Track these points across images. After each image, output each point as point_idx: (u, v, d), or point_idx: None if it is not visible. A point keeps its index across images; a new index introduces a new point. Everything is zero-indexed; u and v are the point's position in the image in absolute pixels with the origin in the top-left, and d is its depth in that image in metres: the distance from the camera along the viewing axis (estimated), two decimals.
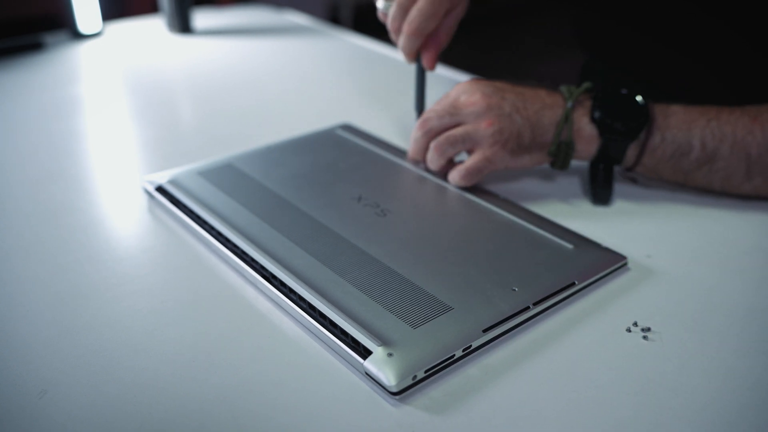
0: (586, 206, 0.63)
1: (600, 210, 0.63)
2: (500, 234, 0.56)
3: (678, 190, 0.65)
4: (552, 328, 0.48)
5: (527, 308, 0.47)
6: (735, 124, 0.60)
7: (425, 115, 0.65)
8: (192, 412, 0.41)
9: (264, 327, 0.48)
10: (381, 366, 0.42)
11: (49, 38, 1.12)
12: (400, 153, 0.70)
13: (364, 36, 1.18)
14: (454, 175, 0.63)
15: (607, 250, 0.54)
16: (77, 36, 1.14)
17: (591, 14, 0.94)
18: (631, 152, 0.62)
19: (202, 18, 1.26)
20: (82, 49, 1.10)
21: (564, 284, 0.50)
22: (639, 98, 0.62)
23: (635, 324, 0.48)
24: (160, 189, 0.63)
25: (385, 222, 0.57)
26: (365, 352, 0.43)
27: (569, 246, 0.54)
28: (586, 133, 0.62)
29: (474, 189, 0.63)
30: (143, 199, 0.65)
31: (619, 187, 0.66)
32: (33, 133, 0.80)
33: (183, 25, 1.17)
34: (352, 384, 0.43)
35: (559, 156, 0.63)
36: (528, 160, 0.64)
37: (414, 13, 0.67)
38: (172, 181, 0.63)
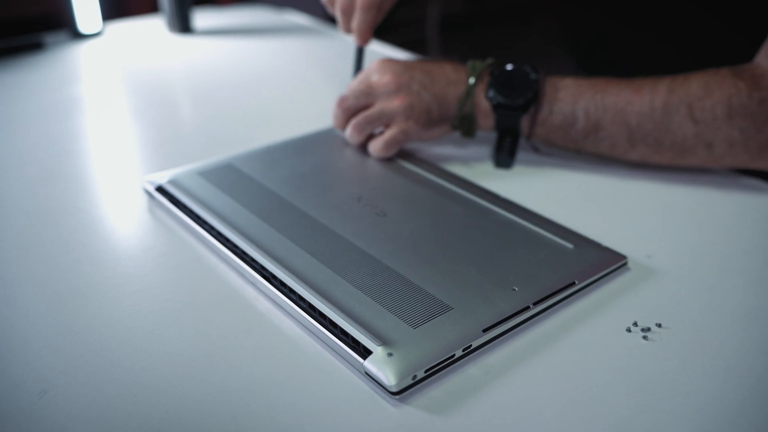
0: (587, 205, 0.63)
1: (600, 210, 0.63)
2: (500, 234, 0.56)
3: (679, 189, 0.65)
4: (552, 327, 0.48)
5: (527, 308, 0.47)
6: (618, 95, 0.64)
7: (343, 94, 0.70)
8: (192, 412, 0.41)
9: (264, 327, 0.48)
10: (381, 366, 0.42)
11: (49, 38, 1.12)
12: (401, 152, 0.70)
13: None
14: (375, 146, 0.67)
15: (607, 249, 0.54)
16: (77, 36, 1.14)
17: (589, 14, 0.94)
18: (525, 123, 0.67)
19: (202, 18, 1.26)
20: (82, 49, 1.10)
21: (564, 284, 0.50)
22: (531, 74, 0.66)
23: (635, 324, 0.48)
24: (160, 189, 0.63)
25: (385, 222, 0.57)
26: (365, 352, 0.43)
27: (569, 246, 0.54)
28: (484, 108, 0.68)
29: (474, 188, 0.63)
30: (143, 199, 0.65)
31: (619, 186, 0.66)
32: (33, 133, 0.80)
33: (183, 25, 1.18)
34: (352, 384, 0.43)
35: (464, 128, 0.69)
36: (438, 131, 0.70)
37: None
38: (172, 181, 0.63)
